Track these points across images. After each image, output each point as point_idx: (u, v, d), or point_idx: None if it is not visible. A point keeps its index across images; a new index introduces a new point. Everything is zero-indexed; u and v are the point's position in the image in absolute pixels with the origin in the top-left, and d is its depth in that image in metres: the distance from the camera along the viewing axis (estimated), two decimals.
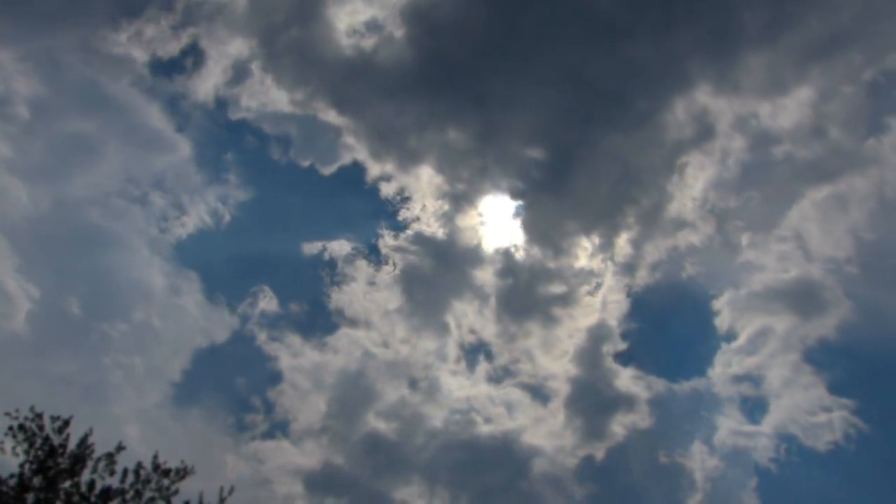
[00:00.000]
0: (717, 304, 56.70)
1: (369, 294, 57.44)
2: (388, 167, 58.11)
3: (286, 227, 63.25)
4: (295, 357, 55.32)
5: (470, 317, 56.38)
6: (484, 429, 51.40)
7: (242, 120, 56.87)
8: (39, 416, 14.50)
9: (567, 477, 48.70)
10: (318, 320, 57.80)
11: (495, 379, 54.92)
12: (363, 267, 57.98)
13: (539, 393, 53.53)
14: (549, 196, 56.05)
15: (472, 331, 56.03)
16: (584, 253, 56.77)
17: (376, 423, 51.37)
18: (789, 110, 55.75)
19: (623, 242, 55.95)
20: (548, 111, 55.01)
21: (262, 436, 51.33)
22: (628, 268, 56.14)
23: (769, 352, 54.31)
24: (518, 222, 60.98)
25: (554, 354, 54.79)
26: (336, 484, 48.56)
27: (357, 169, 57.87)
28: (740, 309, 56.29)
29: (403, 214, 58.16)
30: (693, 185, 56.15)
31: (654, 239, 56.42)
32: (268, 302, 56.68)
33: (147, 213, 54.88)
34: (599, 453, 49.57)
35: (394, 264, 57.31)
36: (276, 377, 53.53)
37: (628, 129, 54.25)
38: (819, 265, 55.40)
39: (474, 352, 56.08)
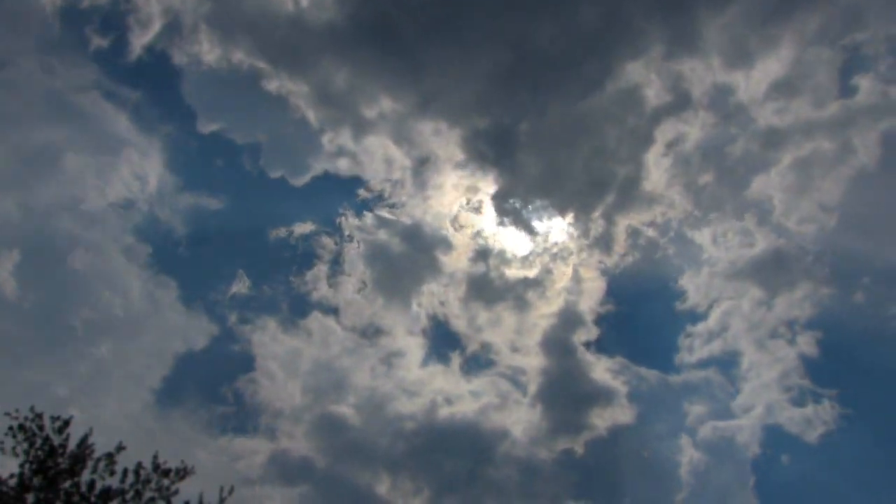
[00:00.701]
0: (691, 283, 56.73)
1: (334, 278, 57.21)
2: (344, 139, 56.65)
3: (252, 213, 61.47)
4: (270, 344, 54.95)
5: (437, 300, 56.15)
6: (453, 417, 51.53)
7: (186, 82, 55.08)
8: (39, 416, 14.50)
9: (534, 466, 49.12)
10: (292, 306, 57.20)
11: (465, 366, 54.90)
12: (330, 247, 57.51)
13: (511, 379, 53.75)
14: (507, 171, 55.23)
15: (440, 315, 55.84)
16: (555, 231, 56.82)
17: (346, 410, 51.53)
18: (753, 76, 54.43)
19: (593, 220, 55.46)
20: (498, 81, 53.63)
21: (234, 428, 51.06)
22: (603, 246, 55.73)
23: (745, 331, 54.80)
24: (486, 199, 59.35)
25: (525, 339, 54.83)
26: (305, 472, 48.60)
27: (318, 148, 56.88)
28: (714, 288, 56.29)
29: (363, 195, 57.72)
30: (654, 157, 55.12)
31: (625, 215, 55.78)
32: (241, 289, 56.14)
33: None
34: (577, 433, 49.74)
35: (358, 243, 57.02)
36: (249, 366, 53.20)
37: (598, 100, 53.04)
38: (793, 236, 55.22)
39: (441, 334, 56.06)
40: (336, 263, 57.10)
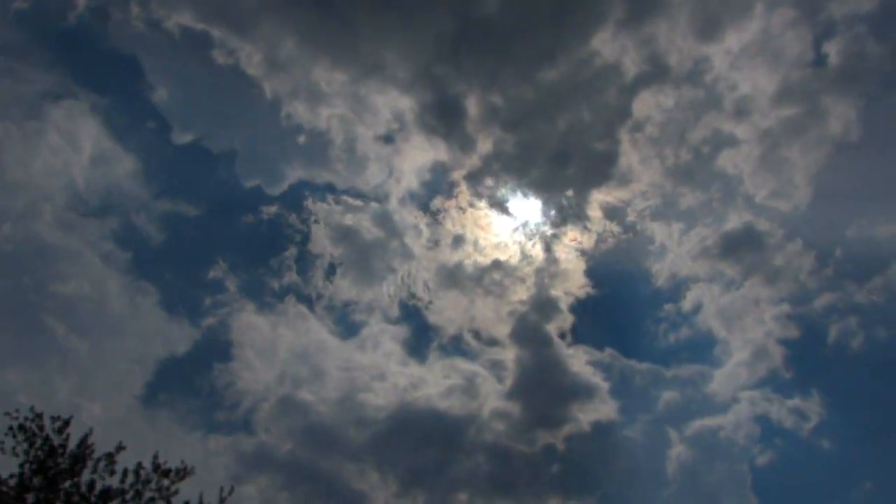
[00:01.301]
0: (670, 265, 56.02)
1: (307, 266, 56.51)
2: (301, 110, 55.36)
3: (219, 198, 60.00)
4: (244, 334, 54.03)
5: (408, 286, 55.48)
6: (424, 406, 51.05)
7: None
8: (39, 416, 14.50)
9: (505, 451, 49.00)
10: (266, 298, 56.29)
11: (436, 353, 54.38)
12: (300, 231, 56.60)
13: (486, 366, 53.28)
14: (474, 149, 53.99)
15: (413, 301, 55.33)
16: (528, 211, 56.83)
17: (322, 400, 51.20)
18: (724, 44, 53.10)
19: (566, 198, 54.63)
20: (449, 52, 51.69)
21: (211, 424, 50.44)
22: (579, 226, 54.82)
23: (724, 314, 54.60)
24: (457, 179, 57.87)
25: (499, 326, 54.31)
26: (273, 463, 48.28)
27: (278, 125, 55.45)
28: (692, 270, 55.69)
29: (327, 177, 56.72)
30: (626, 130, 53.53)
31: (600, 192, 54.57)
32: (218, 276, 55.38)
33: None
34: (559, 421, 49.33)
35: (326, 227, 56.20)
36: (226, 360, 52.55)
37: (563, 71, 50.65)
38: (764, 210, 54.51)
39: (412, 321, 55.47)
40: (308, 251, 56.41)
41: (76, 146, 52.60)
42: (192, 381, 51.73)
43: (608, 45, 51.18)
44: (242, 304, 54.66)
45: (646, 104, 53.59)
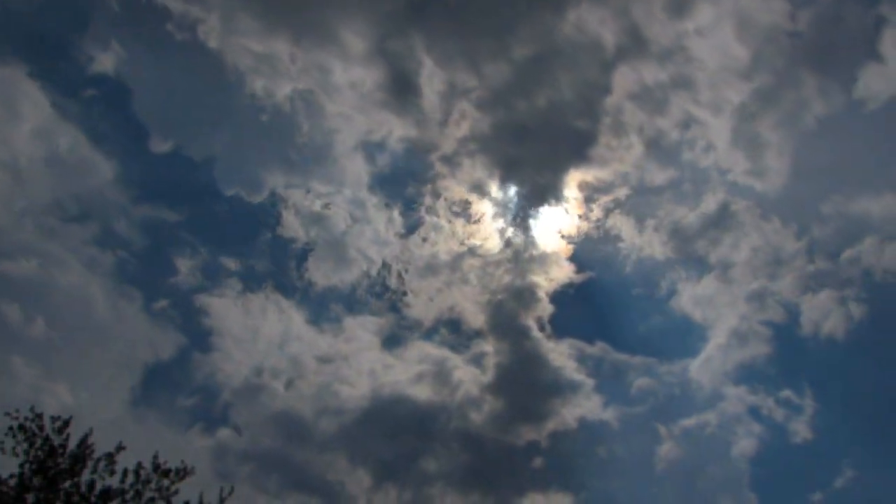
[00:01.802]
0: (653, 251, 55.63)
1: (276, 251, 56.02)
2: (264, 89, 54.32)
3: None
4: (224, 323, 53.55)
5: (384, 275, 54.87)
6: (401, 397, 50.81)
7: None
8: (39, 416, 14.45)
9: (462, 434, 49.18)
10: (244, 288, 55.67)
11: (415, 341, 53.98)
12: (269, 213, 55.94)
13: (469, 358, 52.97)
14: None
15: (392, 292, 54.68)
16: (508, 196, 54.76)
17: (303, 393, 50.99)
18: (696, 16, 52.66)
19: (542, 178, 53.66)
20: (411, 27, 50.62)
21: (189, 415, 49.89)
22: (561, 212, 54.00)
23: (710, 303, 54.76)
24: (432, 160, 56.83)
25: (478, 314, 53.83)
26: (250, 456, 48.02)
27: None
28: (678, 256, 55.44)
29: (295, 159, 55.99)
30: (603, 106, 52.46)
31: (578, 173, 53.73)
32: (196, 267, 54.71)
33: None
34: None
35: (300, 216, 55.59)
36: (206, 349, 52.01)
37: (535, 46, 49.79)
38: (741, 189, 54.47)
39: (392, 311, 54.98)
40: (280, 239, 55.80)
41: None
42: (174, 378, 51.26)
43: (584, 16, 50.49)
44: (217, 293, 54.13)
45: (625, 79, 52.59)
